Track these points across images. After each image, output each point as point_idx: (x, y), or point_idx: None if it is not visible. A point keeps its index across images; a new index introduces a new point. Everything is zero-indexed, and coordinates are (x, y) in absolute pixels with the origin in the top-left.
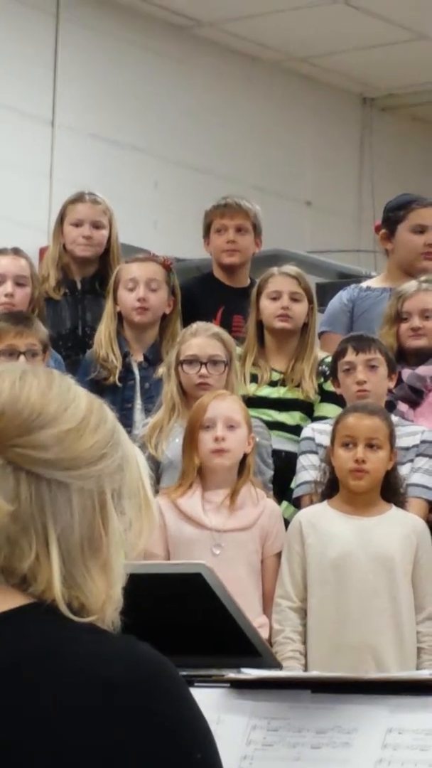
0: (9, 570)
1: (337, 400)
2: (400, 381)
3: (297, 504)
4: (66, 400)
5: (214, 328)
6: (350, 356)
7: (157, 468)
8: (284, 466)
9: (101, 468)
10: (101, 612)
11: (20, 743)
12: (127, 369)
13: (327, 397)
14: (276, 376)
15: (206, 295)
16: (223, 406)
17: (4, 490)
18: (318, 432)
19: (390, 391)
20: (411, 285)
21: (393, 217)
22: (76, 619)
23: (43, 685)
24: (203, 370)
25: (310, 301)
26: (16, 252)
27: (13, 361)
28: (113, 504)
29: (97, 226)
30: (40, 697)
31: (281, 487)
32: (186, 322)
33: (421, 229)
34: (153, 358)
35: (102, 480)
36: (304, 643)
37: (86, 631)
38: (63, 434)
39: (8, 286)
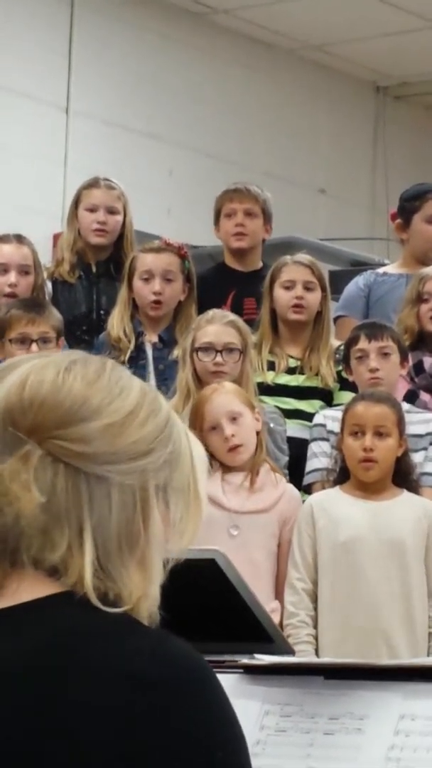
0: (39, 560)
1: (356, 387)
2: (422, 370)
3: (308, 491)
4: (112, 393)
5: (230, 315)
6: (363, 344)
7: None
8: (303, 453)
9: (145, 463)
10: (136, 605)
11: (41, 736)
12: (139, 349)
13: (346, 384)
14: (293, 363)
15: (217, 281)
16: (221, 402)
17: (40, 481)
18: (330, 419)
19: (412, 380)
20: None
21: (409, 206)
22: (109, 610)
23: (66, 676)
24: (218, 358)
25: (323, 290)
26: (19, 240)
27: (25, 349)
28: (157, 499)
29: (111, 211)
30: (63, 688)
31: (301, 474)
32: (198, 310)
33: None
34: (168, 340)
35: (145, 475)
36: (315, 627)
37: (118, 623)
38: (104, 428)
39: (12, 276)
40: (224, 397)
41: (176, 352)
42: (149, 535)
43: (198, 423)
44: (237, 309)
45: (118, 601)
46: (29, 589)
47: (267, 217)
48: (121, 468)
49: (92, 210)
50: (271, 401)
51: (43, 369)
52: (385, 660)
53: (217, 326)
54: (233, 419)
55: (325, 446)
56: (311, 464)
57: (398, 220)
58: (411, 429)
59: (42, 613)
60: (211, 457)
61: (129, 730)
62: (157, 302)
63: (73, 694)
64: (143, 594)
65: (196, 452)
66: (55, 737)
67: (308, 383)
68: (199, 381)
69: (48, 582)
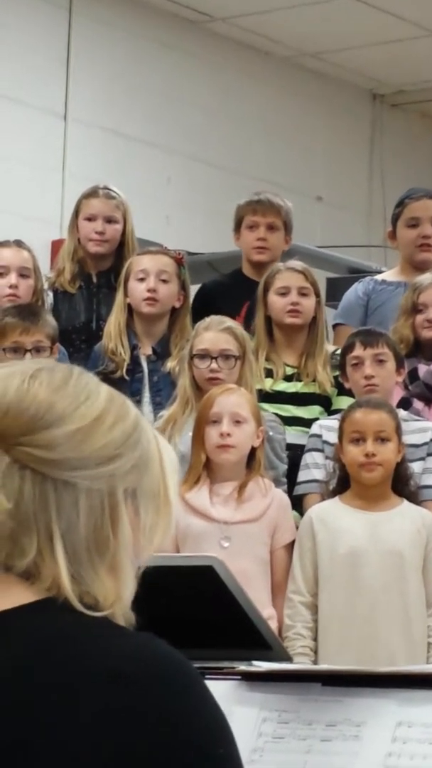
0: (9, 567)
1: (353, 393)
2: (417, 377)
3: (299, 501)
4: (78, 399)
5: (228, 321)
6: (358, 351)
7: None
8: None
9: (112, 469)
10: (111, 609)
11: (30, 740)
12: (135, 362)
13: (343, 389)
14: (290, 371)
15: (233, 290)
16: (230, 401)
17: (7, 488)
18: (325, 429)
19: (406, 387)
20: (427, 277)
21: (395, 214)
22: (90, 613)
23: (53, 680)
24: (214, 365)
25: (317, 295)
26: (19, 244)
27: (19, 358)
28: (125, 504)
29: (110, 220)
30: (51, 692)
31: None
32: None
33: (414, 222)
34: (162, 352)
35: (113, 480)
36: (315, 639)
37: (101, 626)
38: (70, 434)
39: (12, 278)
40: (235, 399)
41: (169, 364)
42: (119, 540)
43: (203, 417)
44: (251, 318)
45: (96, 606)
46: (10, 595)
47: (288, 229)
48: (88, 473)
49: (91, 219)
50: (270, 408)
51: (8, 377)
52: (383, 667)
53: (213, 333)
54: (236, 422)
55: (318, 457)
56: (302, 475)
57: (389, 229)
58: (407, 438)
59: (27, 618)
60: (202, 464)
61: (118, 731)
62: (152, 299)
63: (59, 695)
64: (117, 598)
65: (166, 457)
66: (42, 738)
67: (306, 390)
68: (198, 388)
69: (25, 587)
